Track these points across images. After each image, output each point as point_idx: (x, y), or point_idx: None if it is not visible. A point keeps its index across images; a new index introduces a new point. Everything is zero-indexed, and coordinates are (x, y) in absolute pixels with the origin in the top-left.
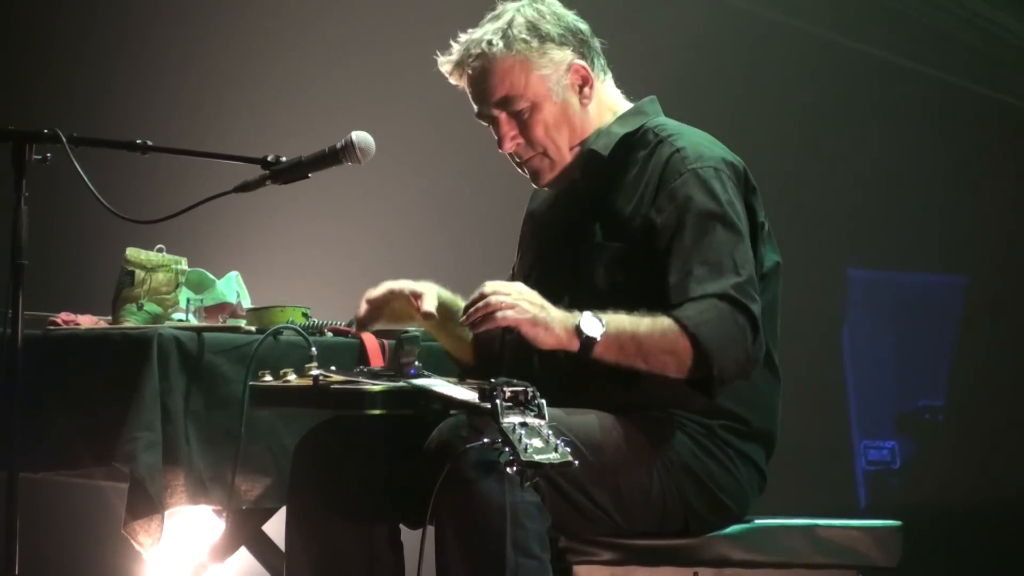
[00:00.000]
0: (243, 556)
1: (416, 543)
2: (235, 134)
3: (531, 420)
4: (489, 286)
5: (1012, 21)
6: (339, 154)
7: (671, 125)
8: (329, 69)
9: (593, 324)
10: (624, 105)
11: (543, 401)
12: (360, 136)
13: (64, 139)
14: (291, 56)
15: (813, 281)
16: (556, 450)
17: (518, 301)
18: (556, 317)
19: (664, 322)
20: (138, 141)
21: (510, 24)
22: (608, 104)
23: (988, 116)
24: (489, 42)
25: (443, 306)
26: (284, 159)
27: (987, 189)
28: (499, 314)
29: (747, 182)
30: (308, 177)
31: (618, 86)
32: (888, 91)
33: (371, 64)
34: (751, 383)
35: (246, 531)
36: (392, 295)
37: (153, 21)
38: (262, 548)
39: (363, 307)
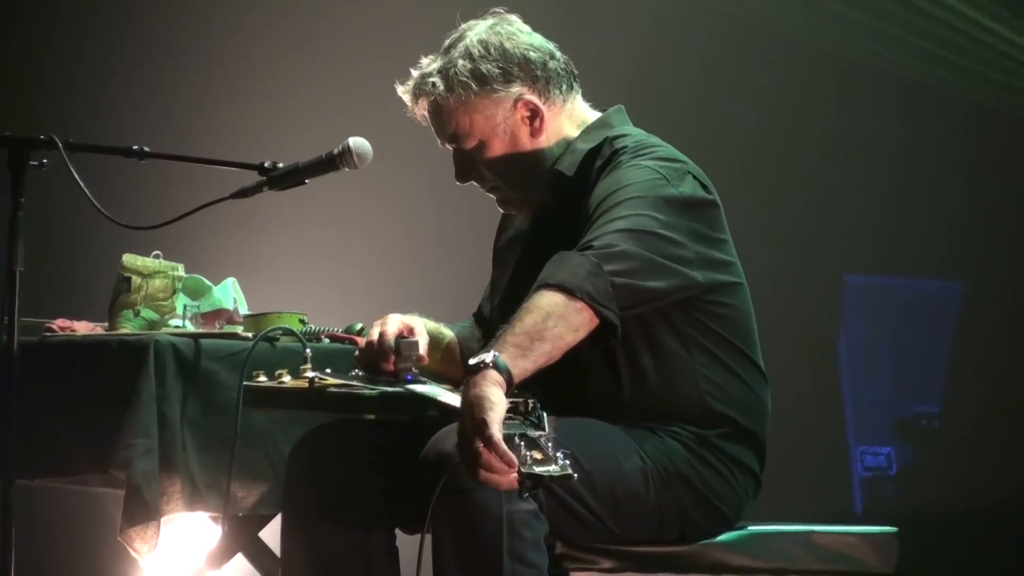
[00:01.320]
0: (240, 562)
1: (412, 548)
2: (232, 140)
3: (530, 431)
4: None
5: (1004, 27)
6: (336, 160)
7: (631, 135)
8: (326, 75)
9: (479, 355)
10: (592, 117)
11: (543, 413)
12: (357, 142)
13: (60, 145)
14: (288, 62)
15: (809, 287)
16: (556, 462)
17: (467, 431)
18: (470, 392)
19: (524, 304)
20: (135, 147)
21: (452, 64)
22: (575, 120)
23: (984, 122)
24: (433, 83)
25: (431, 339)
26: (281, 165)
27: (983, 195)
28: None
29: (702, 185)
30: (305, 183)
31: (604, 87)
32: (883, 98)
33: (368, 69)
34: (743, 386)
35: (243, 537)
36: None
37: (150, 27)
38: (259, 554)
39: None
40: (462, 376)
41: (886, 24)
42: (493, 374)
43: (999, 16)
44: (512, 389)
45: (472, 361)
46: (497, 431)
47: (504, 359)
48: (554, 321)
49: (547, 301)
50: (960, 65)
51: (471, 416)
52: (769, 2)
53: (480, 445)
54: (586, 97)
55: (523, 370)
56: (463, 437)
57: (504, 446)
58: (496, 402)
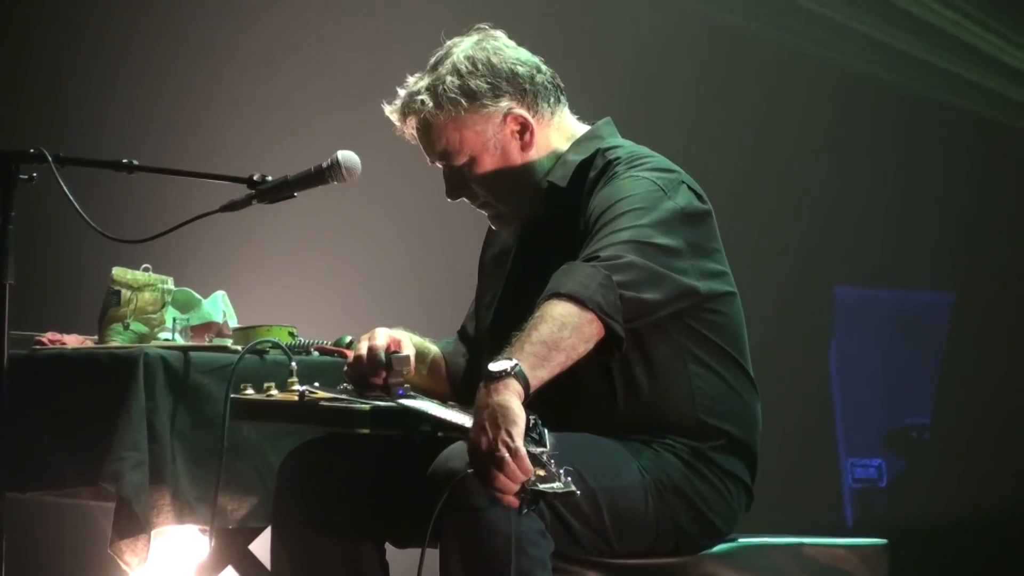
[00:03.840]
0: (229, 575)
1: (403, 562)
2: (221, 153)
3: (533, 448)
4: (470, 456)
5: (994, 36)
6: (325, 173)
7: (623, 146)
8: (315, 88)
9: (500, 362)
10: (580, 130)
11: (545, 429)
12: (346, 155)
13: (50, 158)
14: (277, 75)
15: (800, 299)
16: (559, 479)
17: (489, 439)
18: (492, 400)
19: (537, 313)
20: (124, 160)
21: (441, 81)
22: (564, 133)
23: (974, 134)
24: (422, 101)
25: (417, 353)
26: (270, 178)
27: (974, 207)
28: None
29: (697, 195)
30: (294, 196)
31: (596, 100)
32: (874, 109)
33: (357, 82)
34: (736, 397)
35: (232, 550)
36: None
37: (139, 41)
38: (248, 567)
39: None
40: (450, 390)
41: (880, 36)
42: (514, 384)
43: (997, 28)
44: (528, 399)
45: (493, 368)
46: (522, 444)
47: (523, 368)
48: (569, 331)
49: (561, 311)
50: (954, 77)
51: (494, 425)
52: (760, 13)
53: (506, 454)
54: (579, 110)
55: (540, 380)
56: (482, 444)
57: (528, 460)
58: (519, 414)
